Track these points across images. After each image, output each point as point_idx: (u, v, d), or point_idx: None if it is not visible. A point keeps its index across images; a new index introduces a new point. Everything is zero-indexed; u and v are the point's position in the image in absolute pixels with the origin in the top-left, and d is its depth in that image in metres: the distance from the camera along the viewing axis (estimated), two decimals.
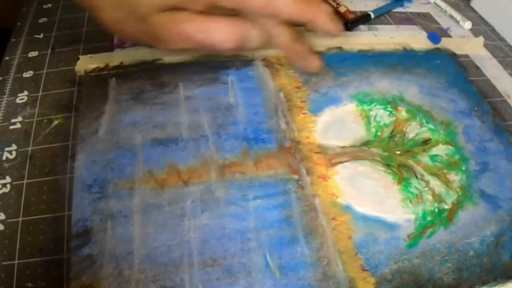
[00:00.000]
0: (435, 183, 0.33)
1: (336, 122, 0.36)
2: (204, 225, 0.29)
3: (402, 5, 0.51)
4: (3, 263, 0.27)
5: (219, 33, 0.33)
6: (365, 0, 0.51)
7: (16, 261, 0.27)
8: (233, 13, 0.34)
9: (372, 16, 0.47)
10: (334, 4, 0.49)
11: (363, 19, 0.47)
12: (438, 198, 0.32)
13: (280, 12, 0.33)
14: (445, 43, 0.45)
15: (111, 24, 0.34)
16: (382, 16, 0.49)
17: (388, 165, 0.34)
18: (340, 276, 0.27)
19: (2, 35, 0.44)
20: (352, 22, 0.46)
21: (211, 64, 0.39)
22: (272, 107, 0.36)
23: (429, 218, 0.31)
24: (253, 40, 0.34)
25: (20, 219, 0.29)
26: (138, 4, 0.32)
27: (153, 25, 0.32)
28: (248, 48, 0.35)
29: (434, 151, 0.35)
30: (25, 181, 0.31)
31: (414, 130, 0.36)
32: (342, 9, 0.48)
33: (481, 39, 0.47)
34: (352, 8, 0.48)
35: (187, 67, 0.39)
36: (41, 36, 0.43)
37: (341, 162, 0.33)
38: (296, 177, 0.32)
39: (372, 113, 0.37)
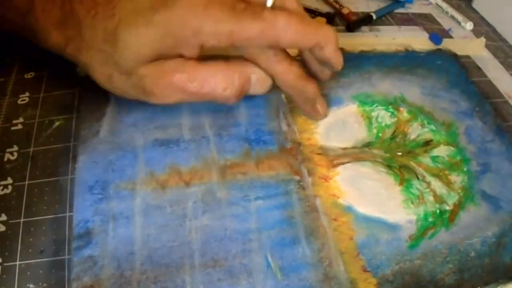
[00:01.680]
0: (436, 184, 0.33)
1: (337, 123, 0.36)
2: (205, 226, 0.29)
3: (403, 6, 0.51)
4: (5, 264, 0.27)
5: (215, 80, 0.30)
6: (366, 1, 0.51)
7: (17, 262, 0.27)
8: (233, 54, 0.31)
9: (374, 17, 0.47)
10: (337, 6, 0.49)
11: (365, 20, 0.47)
12: (439, 199, 0.32)
13: (281, 37, 0.28)
14: (446, 43, 0.45)
15: (102, 81, 0.31)
16: (384, 17, 0.49)
17: (389, 166, 0.34)
18: (341, 277, 0.27)
19: None
20: (354, 23, 0.46)
21: None
22: (274, 109, 0.36)
23: (430, 219, 0.31)
24: (256, 84, 0.32)
25: (22, 220, 0.29)
26: (121, 58, 0.29)
27: (141, 78, 0.29)
28: (252, 93, 0.33)
29: (436, 152, 0.35)
30: (26, 182, 0.31)
31: (416, 131, 0.36)
32: (345, 11, 0.48)
33: (482, 40, 0.46)
34: (353, 9, 0.48)
35: None
36: None
37: (343, 163, 0.33)
38: (297, 178, 0.32)
39: (373, 114, 0.37)
